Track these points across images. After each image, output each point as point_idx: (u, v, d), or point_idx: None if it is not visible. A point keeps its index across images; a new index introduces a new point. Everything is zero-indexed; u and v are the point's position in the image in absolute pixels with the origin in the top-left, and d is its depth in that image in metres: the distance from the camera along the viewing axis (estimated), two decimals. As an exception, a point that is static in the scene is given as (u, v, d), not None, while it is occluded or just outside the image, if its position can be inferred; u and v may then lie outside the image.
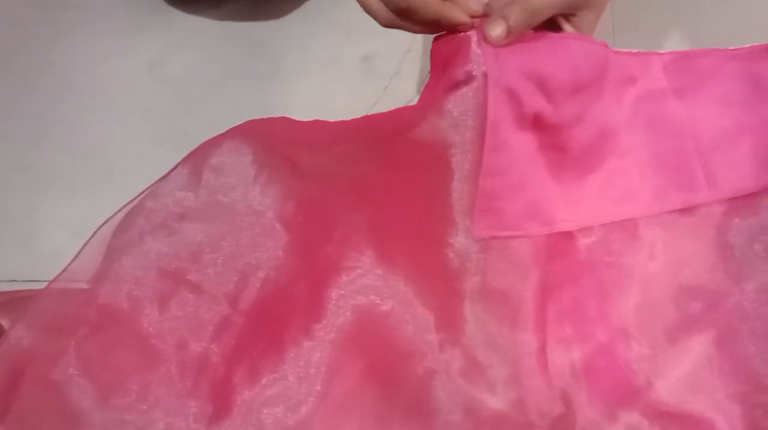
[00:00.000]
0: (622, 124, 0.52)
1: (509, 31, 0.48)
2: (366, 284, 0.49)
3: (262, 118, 0.53)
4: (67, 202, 0.60)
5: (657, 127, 0.52)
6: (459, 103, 0.50)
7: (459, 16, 0.48)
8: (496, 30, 0.48)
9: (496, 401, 0.48)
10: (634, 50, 0.53)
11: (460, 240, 0.50)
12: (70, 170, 0.62)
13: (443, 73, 0.51)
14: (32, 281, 0.57)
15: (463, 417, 0.48)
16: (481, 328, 0.50)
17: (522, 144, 0.50)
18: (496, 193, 0.50)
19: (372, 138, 0.53)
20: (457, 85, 0.50)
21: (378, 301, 0.49)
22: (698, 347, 0.49)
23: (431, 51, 0.52)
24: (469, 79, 0.49)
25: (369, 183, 0.51)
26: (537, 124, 0.50)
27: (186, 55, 0.64)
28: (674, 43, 0.60)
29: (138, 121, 0.62)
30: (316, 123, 0.53)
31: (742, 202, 0.51)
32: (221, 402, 0.48)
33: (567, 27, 0.50)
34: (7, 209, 0.62)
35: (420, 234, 0.50)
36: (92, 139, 0.63)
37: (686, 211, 0.51)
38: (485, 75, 0.49)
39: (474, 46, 0.49)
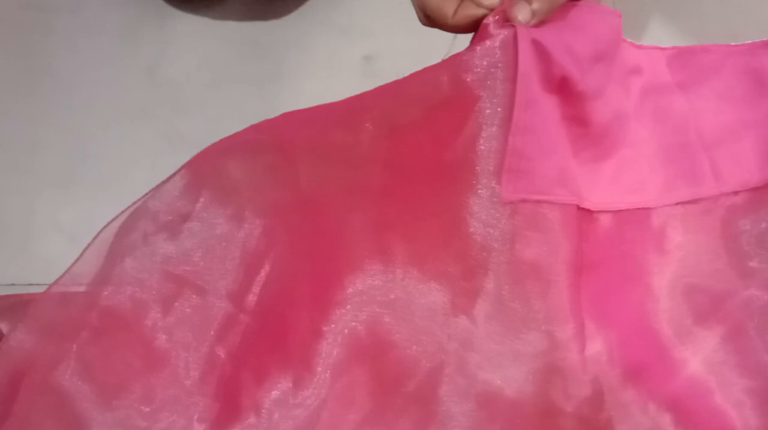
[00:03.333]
0: (631, 113, 0.51)
1: (533, 14, 0.48)
2: (372, 284, 0.48)
3: (265, 121, 0.53)
4: (65, 206, 0.60)
5: (663, 120, 0.52)
6: (486, 55, 0.48)
7: (475, 11, 0.47)
8: (522, 13, 0.47)
9: (516, 384, 0.47)
10: (638, 43, 0.53)
11: (484, 206, 0.48)
12: (68, 174, 0.62)
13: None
14: (31, 284, 0.57)
15: (476, 406, 0.47)
16: (505, 304, 0.48)
17: (550, 105, 0.49)
18: (526, 152, 0.48)
19: (383, 113, 0.52)
20: (480, 41, 0.48)
21: (381, 298, 0.48)
22: (710, 341, 0.49)
23: None
24: (494, 35, 0.47)
25: (375, 167, 0.50)
26: (562, 88, 0.49)
27: (184, 58, 0.63)
28: (674, 40, 0.60)
29: (136, 125, 0.62)
30: (319, 108, 0.52)
31: (748, 196, 0.51)
32: (228, 402, 0.48)
33: None
34: (5, 214, 0.61)
35: (437, 205, 0.49)
36: (90, 143, 0.62)
37: (694, 203, 0.51)
38: (512, 29, 0.48)
39: (492, 27, 0.48)
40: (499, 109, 0.47)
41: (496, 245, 0.48)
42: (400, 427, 0.48)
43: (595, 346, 0.49)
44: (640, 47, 0.52)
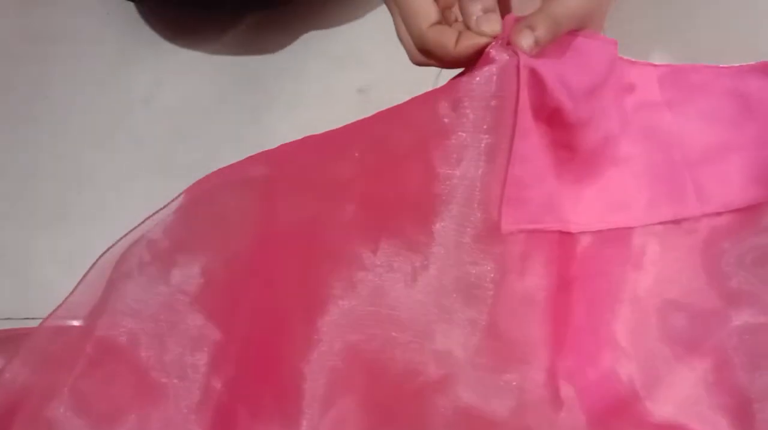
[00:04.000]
0: (621, 134, 0.51)
1: (537, 42, 0.48)
2: (349, 319, 0.48)
3: (262, 153, 0.53)
4: (62, 236, 0.60)
5: (651, 138, 0.52)
6: (486, 83, 0.47)
7: (478, 40, 0.46)
8: (526, 40, 0.46)
9: (500, 407, 0.47)
10: (633, 59, 0.53)
11: (480, 238, 0.47)
12: (63, 203, 0.62)
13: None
14: (28, 319, 0.57)
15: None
16: (494, 338, 0.48)
17: (541, 134, 0.49)
18: (524, 182, 0.47)
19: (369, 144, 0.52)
20: (479, 67, 0.47)
21: (363, 337, 0.48)
22: (688, 367, 0.49)
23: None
24: (494, 61, 0.47)
25: (358, 198, 0.50)
26: (553, 118, 0.49)
27: (180, 87, 0.64)
28: (663, 55, 0.60)
29: (132, 153, 0.62)
30: (305, 142, 0.52)
31: (730, 217, 0.51)
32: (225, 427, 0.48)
33: None
34: (1, 244, 0.61)
35: (427, 236, 0.49)
36: (86, 172, 0.62)
37: (678, 224, 0.51)
38: (511, 56, 0.47)
39: (493, 53, 0.48)
40: (498, 139, 0.48)
41: (490, 277, 0.48)
42: None
43: (568, 390, 0.48)
44: (633, 64, 0.53)
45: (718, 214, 0.51)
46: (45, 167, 0.63)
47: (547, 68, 0.47)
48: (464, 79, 0.47)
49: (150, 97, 0.64)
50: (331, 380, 0.48)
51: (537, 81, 0.47)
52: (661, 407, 0.48)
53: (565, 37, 0.48)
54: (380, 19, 0.55)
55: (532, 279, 0.48)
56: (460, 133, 0.47)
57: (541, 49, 0.47)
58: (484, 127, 0.47)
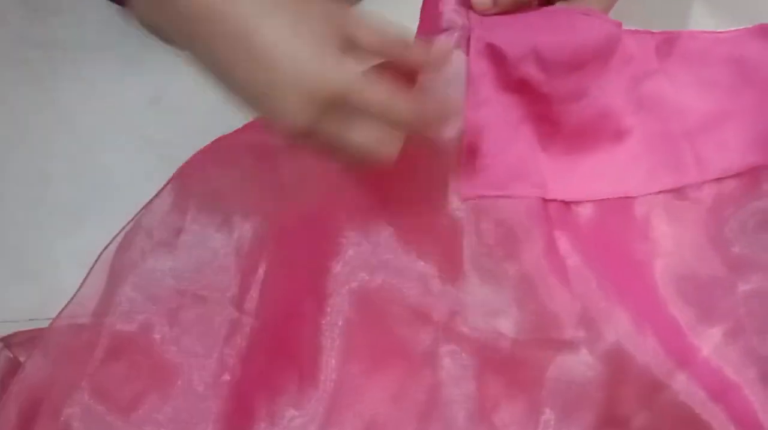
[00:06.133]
0: (620, 106, 0.52)
1: (494, 2, 0.48)
2: (354, 265, 0.49)
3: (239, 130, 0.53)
4: (78, 238, 0.61)
5: (649, 109, 0.52)
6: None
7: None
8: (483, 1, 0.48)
9: (511, 333, 0.48)
10: (632, 28, 0.53)
11: (453, 202, 0.49)
12: (80, 207, 0.63)
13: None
14: (51, 319, 0.58)
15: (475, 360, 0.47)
16: (484, 260, 0.49)
17: (506, 104, 0.49)
18: (480, 150, 0.49)
19: None
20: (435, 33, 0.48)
21: (367, 277, 0.49)
22: (704, 334, 0.49)
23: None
24: (448, 29, 0.48)
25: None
26: (522, 90, 0.49)
27: (186, 87, 0.64)
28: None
29: (143, 155, 0.63)
30: None
31: (730, 183, 0.51)
32: (240, 405, 0.49)
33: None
34: (20, 248, 0.63)
35: (413, 199, 0.50)
36: (99, 174, 0.64)
37: (680, 193, 0.51)
38: (464, 28, 0.48)
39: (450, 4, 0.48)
40: (458, 108, 0.49)
41: (466, 236, 0.49)
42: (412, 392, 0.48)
43: (624, 313, 0.48)
44: (632, 33, 0.53)
45: (719, 180, 0.51)
46: (59, 173, 0.64)
47: (508, 39, 0.48)
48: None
49: (157, 96, 0.65)
50: (345, 330, 0.49)
51: (495, 53, 0.48)
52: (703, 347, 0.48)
53: (554, 12, 0.49)
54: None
55: (508, 242, 0.49)
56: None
57: (499, 10, 0.48)
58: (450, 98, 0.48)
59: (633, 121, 0.52)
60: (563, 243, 0.49)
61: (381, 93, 0.41)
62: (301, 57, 0.39)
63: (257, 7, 0.39)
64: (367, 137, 0.41)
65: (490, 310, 0.48)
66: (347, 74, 0.40)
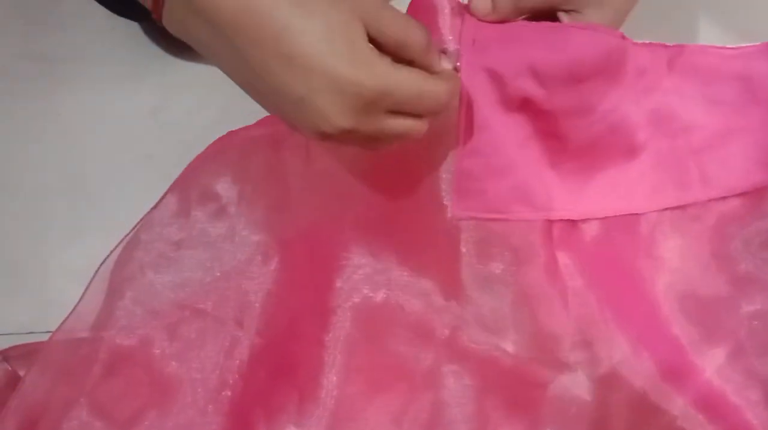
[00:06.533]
0: (631, 121, 0.51)
1: (494, 8, 0.48)
2: (357, 280, 0.49)
3: (243, 128, 0.53)
4: (76, 251, 0.61)
5: (657, 124, 0.52)
6: None
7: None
8: (481, 3, 0.48)
9: (511, 350, 0.48)
10: (647, 41, 0.52)
11: (451, 222, 0.50)
12: (76, 218, 0.63)
13: None
14: (49, 332, 0.57)
15: (475, 380, 0.47)
16: (483, 279, 0.49)
17: (508, 126, 0.49)
18: (475, 174, 0.49)
19: None
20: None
21: (371, 293, 0.49)
22: (708, 354, 0.49)
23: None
24: (444, 50, 0.48)
25: (360, 176, 0.51)
26: (527, 107, 0.49)
27: (186, 101, 0.65)
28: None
29: (141, 167, 0.63)
30: None
31: (735, 201, 0.51)
32: (240, 421, 0.49)
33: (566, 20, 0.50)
34: (18, 261, 0.62)
35: (410, 219, 0.50)
36: (98, 187, 0.64)
37: (685, 211, 0.51)
38: (456, 53, 0.49)
39: (446, 18, 0.48)
40: (455, 132, 0.49)
41: (464, 251, 0.49)
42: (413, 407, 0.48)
43: (622, 335, 0.48)
44: (646, 46, 0.53)
45: (724, 198, 0.51)
46: (57, 185, 0.64)
47: (505, 59, 0.48)
48: None
49: (157, 110, 0.65)
50: (348, 346, 0.49)
51: (493, 75, 0.48)
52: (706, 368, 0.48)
53: (549, 27, 0.49)
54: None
55: (504, 262, 0.49)
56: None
57: (498, 17, 0.48)
58: (447, 121, 0.48)
59: (645, 137, 0.52)
60: (566, 263, 0.49)
61: (411, 89, 0.41)
62: (335, 62, 0.39)
63: (288, 10, 0.39)
64: (400, 127, 0.42)
65: (490, 326, 0.48)
66: (380, 78, 0.40)
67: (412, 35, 0.42)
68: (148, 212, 0.52)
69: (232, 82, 0.64)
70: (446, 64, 0.46)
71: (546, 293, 0.48)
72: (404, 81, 0.41)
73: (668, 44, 0.54)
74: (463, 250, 0.49)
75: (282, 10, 0.39)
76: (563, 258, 0.49)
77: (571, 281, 0.49)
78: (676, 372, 0.47)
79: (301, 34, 0.39)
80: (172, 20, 0.42)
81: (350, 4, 0.40)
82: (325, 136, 0.41)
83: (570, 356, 0.47)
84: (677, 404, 0.46)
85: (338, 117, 0.40)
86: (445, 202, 0.50)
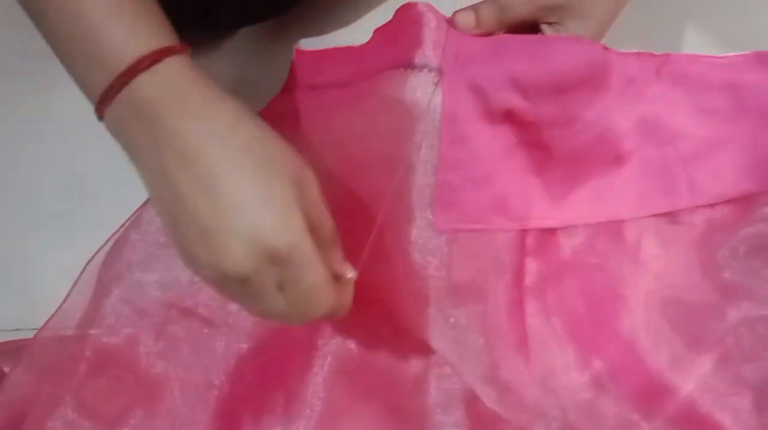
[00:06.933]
0: (618, 129, 0.52)
1: (478, 22, 0.49)
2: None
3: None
4: (65, 248, 0.60)
5: (645, 133, 0.52)
6: (423, 88, 0.49)
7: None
8: (465, 17, 0.49)
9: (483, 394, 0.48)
10: (635, 51, 0.53)
11: (422, 235, 0.50)
12: (67, 217, 0.63)
13: (388, 47, 0.51)
14: (36, 329, 0.57)
15: (463, 413, 0.47)
16: (449, 328, 0.49)
17: (490, 138, 0.50)
18: (456, 186, 0.50)
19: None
20: (414, 67, 0.49)
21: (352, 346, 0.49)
22: (695, 362, 0.49)
23: None
24: (427, 65, 0.49)
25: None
26: (511, 119, 0.50)
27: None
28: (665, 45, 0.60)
29: (130, 165, 0.62)
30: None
31: (723, 209, 0.51)
32: (226, 421, 0.49)
33: (549, 32, 0.50)
34: (7, 258, 0.62)
35: (378, 235, 0.49)
36: (89, 185, 0.64)
37: (672, 218, 0.51)
38: (438, 70, 0.49)
39: (431, 33, 0.49)
40: (433, 145, 0.49)
41: (433, 271, 0.49)
42: None
43: (587, 372, 0.49)
44: (636, 55, 0.53)
45: (712, 206, 0.51)
46: (50, 183, 0.64)
47: (486, 72, 0.48)
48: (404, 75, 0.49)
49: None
50: (333, 377, 0.49)
51: (475, 88, 0.48)
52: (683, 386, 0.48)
53: (529, 39, 0.49)
54: (373, 28, 0.56)
55: (478, 273, 0.49)
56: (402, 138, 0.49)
57: (482, 31, 0.48)
58: (425, 134, 0.49)
59: (632, 145, 0.52)
60: (537, 280, 0.49)
61: (313, 265, 0.40)
62: (263, 207, 0.38)
63: (226, 154, 0.39)
64: (281, 305, 0.40)
65: (458, 368, 0.48)
66: (298, 236, 0.39)
67: (327, 224, 0.42)
68: (137, 211, 0.52)
69: (228, 83, 0.65)
70: (350, 274, 0.44)
71: (505, 337, 0.48)
72: (312, 251, 0.40)
73: (656, 53, 0.54)
74: (440, 263, 0.49)
75: (220, 153, 0.39)
76: (536, 272, 0.50)
77: (530, 318, 0.49)
78: (650, 397, 0.47)
79: (238, 176, 0.39)
80: (113, 116, 0.42)
81: (297, 171, 0.40)
82: (216, 276, 0.39)
83: (534, 405, 0.47)
84: None
85: (243, 260, 0.38)
86: (417, 214, 0.50)
